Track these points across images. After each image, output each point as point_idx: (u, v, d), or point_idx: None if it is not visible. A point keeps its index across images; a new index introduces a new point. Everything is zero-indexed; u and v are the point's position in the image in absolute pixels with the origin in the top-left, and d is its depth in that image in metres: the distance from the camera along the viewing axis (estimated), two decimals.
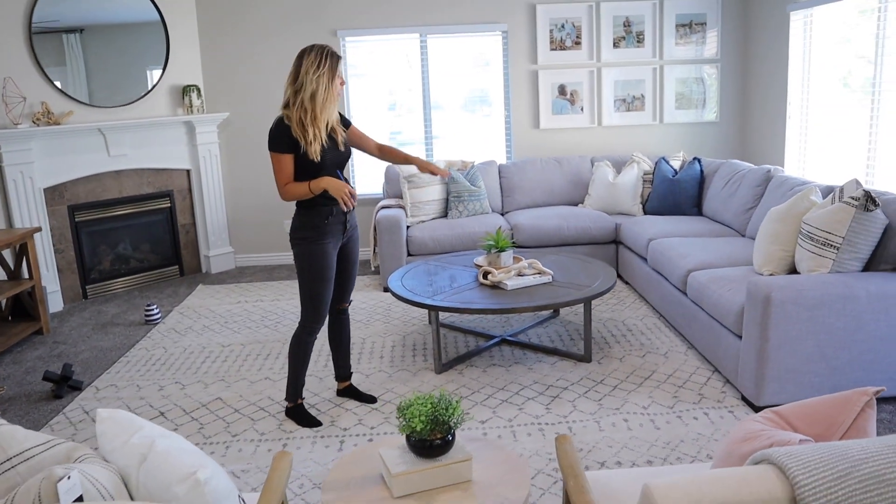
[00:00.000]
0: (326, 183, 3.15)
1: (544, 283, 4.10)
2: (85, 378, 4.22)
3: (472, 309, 3.73)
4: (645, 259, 5.07)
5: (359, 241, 3.52)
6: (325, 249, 3.26)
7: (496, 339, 4.40)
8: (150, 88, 5.96)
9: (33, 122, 5.35)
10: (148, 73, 5.99)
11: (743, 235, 4.98)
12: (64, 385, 4.00)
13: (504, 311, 3.73)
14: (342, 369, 3.73)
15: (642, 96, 6.52)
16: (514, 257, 4.37)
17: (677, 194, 5.61)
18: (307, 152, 3.11)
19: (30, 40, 5.31)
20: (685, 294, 4.30)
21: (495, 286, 4.07)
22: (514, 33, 6.36)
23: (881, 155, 4.92)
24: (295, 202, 3.28)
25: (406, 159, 3.49)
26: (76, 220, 5.72)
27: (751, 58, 6.44)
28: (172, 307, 5.50)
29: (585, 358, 4.09)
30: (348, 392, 3.73)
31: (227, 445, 3.30)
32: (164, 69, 6.03)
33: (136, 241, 6.17)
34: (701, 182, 5.64)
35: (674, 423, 3.36)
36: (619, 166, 6.09)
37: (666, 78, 6.50)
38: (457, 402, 1.90)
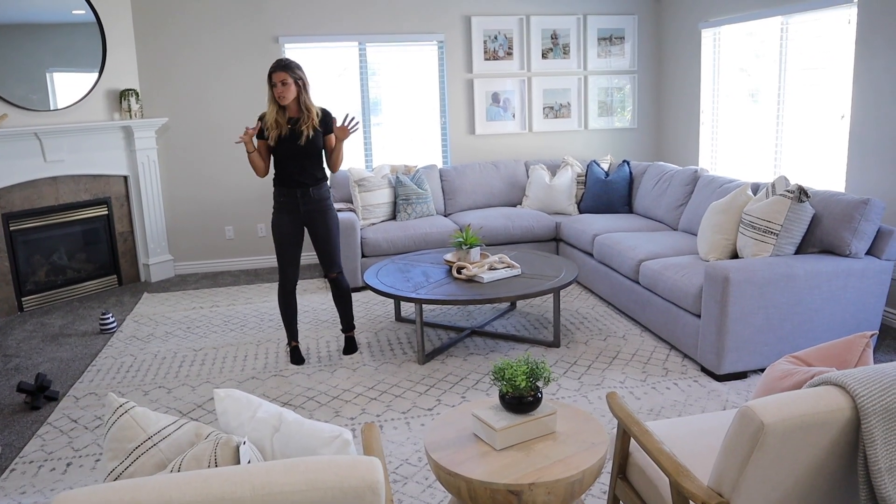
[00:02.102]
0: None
1: (515, 276, 4.39)
2: (55, 388, 4.11)
3: (458, 300, 3.97)
4: (589, 253, 5.48)
5: (327, 221, 4.19)
6: (279, 220, 4.15)
7: (467, 332, 4.66)
8: (87, 92, 5.80)
9: None
10: (84, 76, 5.82)
11: (675, 229, 5.48)
12: (40, 396, 3.89)
13: (489, 301, 4.00)
14: (344, 322, 4.44)
15: (568, 104, 6.99)
16: (480, 253, 4.64)
17: (610, 194, 6.08)
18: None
19: None
20: (636, 282, 4.72)
21: (470, 280, 4.32)
22: (451, 43, 6.66)
23: (785, 156, 5.58)
24: None
25: (334, 148, 4.14)
26: (10, 228, 5.48)
27: (664, 69, 7.05)
28: (124, 316, 5.38)
29: (555, 343, 4.42)
30: (347, 343, 4.44)
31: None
32: (100, 72, 5.88)
33: (71, 250, 5.96)
34: (630, 182, 6.14)
35: (650, 393, 3.73)
36: (552, 169, 6.51)
37: (589, 87, 7.00)
38: (543, 362, 2.15)
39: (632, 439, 2.30)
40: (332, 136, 4.13)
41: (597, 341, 4.50)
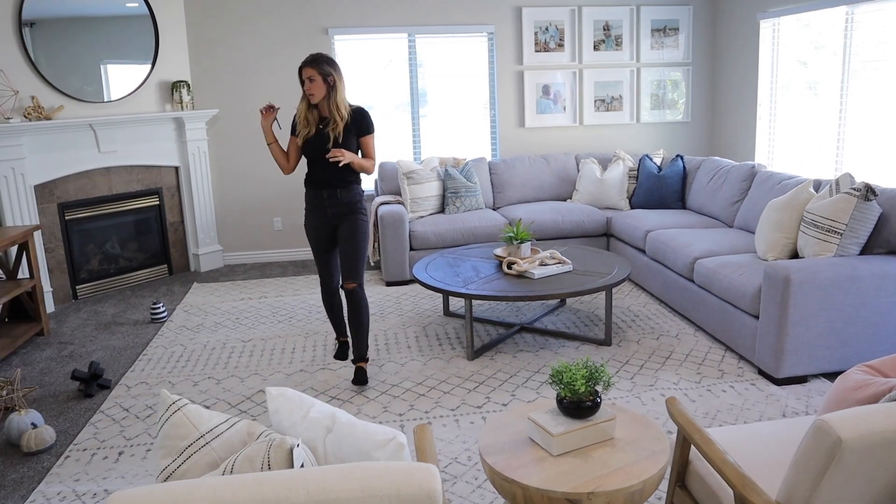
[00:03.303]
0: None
1: (566, 272, 4.31)
2: (108, 377, 4.16)
3: (509, 296, 3.91)
4: (641, 250, 5.35)
5: (354, 225, 3.84)
6: (309, 223, 3.95)
7: (516, 328, 4.59)
8: (139, 84, 5.88)
9: (24, 116, 5.20)
10: (138, 68, 5.89)
11: (731, 226, 5.32)
12: (93, 384, 3.95)
13: (540, 298, 3.92)
14: (356, 349, 3.90)
15: (620, 97, 6.84)
16: (531, 248, 4.57)
17: (663, 189, 5.93)
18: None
19: (19, 32, 5.17)
20: (691, 280, 4.59)
21: (521, 275, 4.25)
22: (501, 35, 6.57)
23: (848, 152, 5.37)
24: None
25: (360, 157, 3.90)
26: (66, 218, 5.59)
27: (720, 61, 6.85)
28: (174, 305, 5.45)
29: (606, 342, 4.32)
30: (357, 374, 3.87)
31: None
32: (153, 64, 5.95)
33: (124, 239, 6.06)
34: (684, 177, 5.98)
35: (705, 395, 3.62)
36: (603, 163, 6.39)
37: (642, 80, 6.84)
38: (602, 366, 2.07)
39: (692, 446, 2.21)
40: (368, 138, 3.85)
41: (649, 340, 4.39)
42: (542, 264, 4.33)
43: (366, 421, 3.31)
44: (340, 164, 3.66)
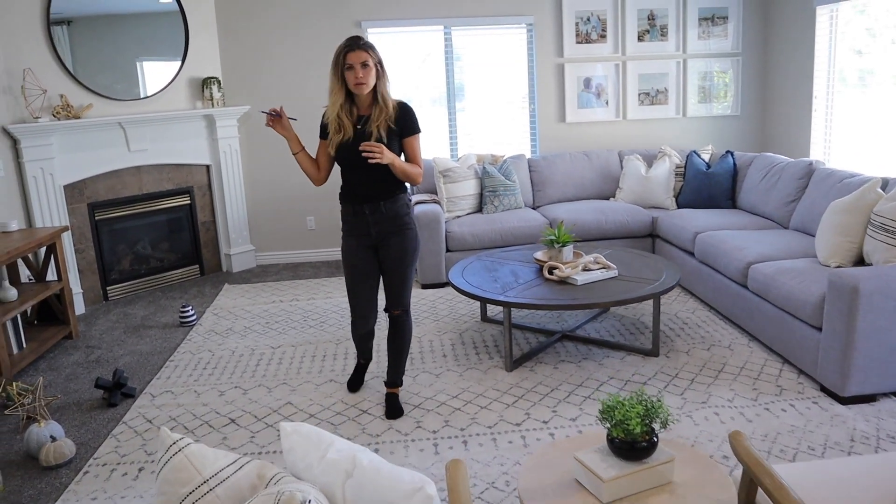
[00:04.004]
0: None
1: (611, 278, 4.05)
2: (132, 384, 4.03)
3: (551, 305, 3.67)
4: (690, 252, 5.06)
5: (403, 244, 3.32)
6: (348, 245, 3.37)
7: (557, 335, 4.34)
8: (169, 81, 5.75)
9: (53, 115, 5.10)
10: (167, 64, 5.77)
11: (786, 228, 4.99)
12: (117, 392, 3.82)
13: (584, 307, 3.67)
14: (390, 373, 3.53)
15: (665, 90, 6.52)
16: (573, 252, 4.32)
17: (712, 187, 5.62)
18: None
19: (48, 30, 5.06)
20: (745, 287, 4.29)
21: (563, 281, 4.01)
22: (541, 26, 6.30)
23: None
24: None
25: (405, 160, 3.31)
26: (96, 218, 5.49)
27: (772, 52, 6.48)
28: (204, 308, 5.31)
29: (653, 352, 4.06)
30: (389, 403, 3.49)
31: None
32: (182, 60, 5.81)
33: (155, 239, 5.95)
34: (734, 175, 5.65)
35: (763, 415, 3.34)
36: (648, 160, 6.09)
37: (689, 72, 6.50)
38: (659, 401, 1.83)
39: (759, 488, 1.96)
40: (414, 139, 3.27)
41: (699, 350, 4.11)
42: (586, 269, 4.08)
43: (395, 445, 3.13)
44: (373, 161, 3.05)
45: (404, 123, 3.22)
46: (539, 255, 4.31)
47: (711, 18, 6.44)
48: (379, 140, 3.14)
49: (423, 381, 3.84)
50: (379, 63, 3.15)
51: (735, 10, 6.43)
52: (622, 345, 4.19)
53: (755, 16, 6.49)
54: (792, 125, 6.29)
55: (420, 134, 3.30)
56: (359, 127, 3.20)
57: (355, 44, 3.09)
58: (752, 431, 3.19)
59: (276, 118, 3.27)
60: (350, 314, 3.52)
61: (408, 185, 3.40)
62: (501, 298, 3.76)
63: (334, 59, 3.13)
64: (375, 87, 3.16)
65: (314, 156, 3.42)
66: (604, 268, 4.11)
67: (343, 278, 5.28)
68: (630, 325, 4.55)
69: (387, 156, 3.09)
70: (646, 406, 1.78)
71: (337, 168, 3.38)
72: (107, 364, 4.36)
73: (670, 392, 3.60)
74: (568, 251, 4.21)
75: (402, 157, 3.29)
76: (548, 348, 4.22)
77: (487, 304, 4.90)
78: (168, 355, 4.43)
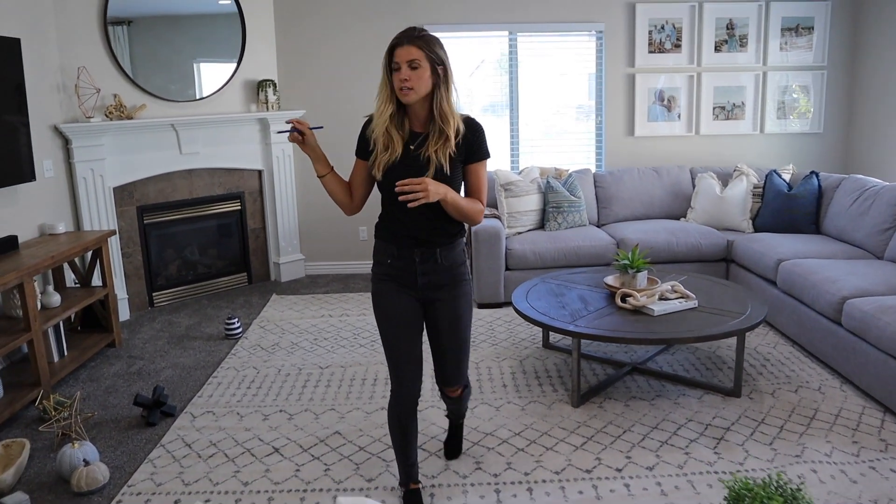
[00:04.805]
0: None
1: (690, 309, 3.69)
2: (172, 401, 3.81)
3: (626, 338, 3.33)
4: (771, 281, 4.66)
5: (457, 303, 2.60)
6: (384, 299, 2.58)
7: (627, 368, 3.99)
8: (224, 83, 5.57)
9: (106, 115, 4.95)
10: (223, 66, 5.59)
11: (880, 258, 4.56)
12: (156, 411, 3.60)
13: (664, 342, 3.34)
14: (449, 418, 3.12)
15: (743, 104, 6.12)
16: (648, 278, 3.97)
17: (794, 210, 5.20)
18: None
19: (104, 29, 4.92)
20: (838, 323, 3.89)
21: (637, 311, 3.67)
22: (611, 34, 5.96)
23: None
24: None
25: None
26: (145, 222, 5.32)
27: (861, 65, 6.03)
28: (250, 320, 5.10)
29: (735, 392, 3.68)
30: (447, 439, 3.16)
31: (365, 492, 2.90)
32: (238, 63, 5.63)
33: (203, 245, 5.77)
34: (819, 197, 5.23)
35: (868, 475, 2.95)
36: (723, 178, 5.69)
37: (769, 85, 6.09)
38: (802, 491, 1.50)
39: None
40: (480, 166, 2.49)
41: (786, 392, 3.72)
42: (663, 298, 3.73)
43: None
44: (413, 206, 2.32)
45: (471, 145, 2.46)
46: (610, 279, 3.98)
47: (795, 29, 6.02)
48: (439, 170, 2.39)
49: (482, 414, 3.53)
50: (438, 64, 2.38)
51: (822, 19, 6.00)
52: (699, 382, 3.82)
53: (844, 26, 6.04)
54: (880, 145, 5.83)
55: (488, 160, 2.55)
56: (411, 147, 2.45)
57: (406, 37, 2.36)
58: (858, 495, 2.81)
59: (297, 134, 2.45)
60: (390, 382, 2.68)
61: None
62: (572, 328, 3.44)
63: (387, 55, 2.42)
64: (432, 96, 2.41)
65: (347, 178, 2.66)
66: (682, 297, 3.76)
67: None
68: (706, 360, 4.17)
69: (433, 192, 2.31)
70: (787, 498, 1.45)
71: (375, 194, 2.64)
72: (148, 377, 4.16)
73: (757, 441, 3.23)
74: (642, 277, 3.87)
75: (461, 189, 2.54)
76: (616, 382, 3.87)
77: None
78: (211, 371, 4.21)
